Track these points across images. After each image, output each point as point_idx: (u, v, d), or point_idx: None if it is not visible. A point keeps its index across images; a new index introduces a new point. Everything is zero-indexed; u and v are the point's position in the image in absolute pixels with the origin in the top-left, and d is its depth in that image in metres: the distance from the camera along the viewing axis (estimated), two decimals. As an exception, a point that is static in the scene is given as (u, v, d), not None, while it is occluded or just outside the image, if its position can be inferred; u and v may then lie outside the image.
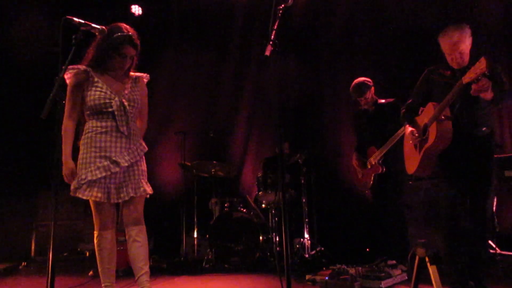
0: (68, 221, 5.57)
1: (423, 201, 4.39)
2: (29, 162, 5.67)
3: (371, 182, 4.07)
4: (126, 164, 2.58)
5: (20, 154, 5.73)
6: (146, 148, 2.75)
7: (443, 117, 2.80)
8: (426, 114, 3.00)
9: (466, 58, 2.88)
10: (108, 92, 2.58)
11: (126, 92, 2.65)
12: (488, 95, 2.68)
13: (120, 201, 2.62)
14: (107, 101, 2.57)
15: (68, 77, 2.61)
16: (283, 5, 2.13)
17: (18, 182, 5.68)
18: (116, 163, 2.55)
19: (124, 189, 2.60)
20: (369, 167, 4.12)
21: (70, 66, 2.56)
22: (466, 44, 2.86)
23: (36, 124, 3.36)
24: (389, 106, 4.06)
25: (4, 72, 5.76)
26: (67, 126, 2.58)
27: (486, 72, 2.50)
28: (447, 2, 5.16)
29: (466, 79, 2.61)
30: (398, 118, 3.90)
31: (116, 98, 2.59)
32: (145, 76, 2.83)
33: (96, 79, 2.60)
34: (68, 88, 2.61)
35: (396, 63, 5.23)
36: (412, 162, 3.19)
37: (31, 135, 5.58)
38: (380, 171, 3.98)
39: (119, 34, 2.55)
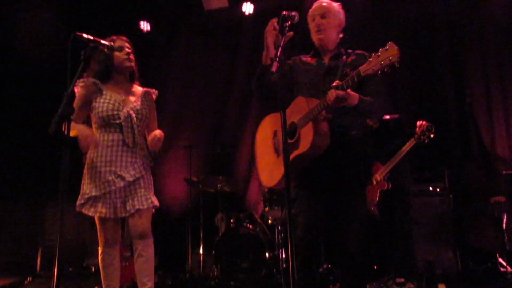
0: (74, 235, 5.56)
1: (431, 217, 4.35)
2: (36, 176, 5.69)
3: (377, 199, 4.04)
4: (131, 179, 2.57)
5: (27, 168, 5.76)
6: (152, 163, 2.74)
7: (321, 117, 2.29)
8: (295, 110, 2.37)
9: (329, 32, 2.50)
10: (116, 104, 2.59)
11: (134, 104, 2.66)
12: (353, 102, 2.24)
13: (127, 215, 2.60)
14: (115, 112, 2.58)
15: (77, 89, 2.63)
16: (289, 22, 2.14)
17: (24, 196, 5.70)
18: (121, 178, 2.55)
19: (130, 202, 2.57)
20: (374, 183, 4.09)
21: (80, 80, 2.59)
22: (334, 15, 2.51)
23: (43, 138, 3.37)
24: (394, 122, 4.07)
25: (12, 85, 5.82)
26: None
27: (396, 63, 1.99)
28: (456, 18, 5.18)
29: (367, 70, 2.08)
30: (403, 134, 3.90)
31: (124, 110, 2.60)
32: (153, 92, 2.84)
33: (104, 91, 2.62)
34: (77, 97, 2.61)
35: (400, 78, 5.23)
36: (272, 172, 2.56)
37: (39, 149, 5.61)
38: (386, 187, 3.95)
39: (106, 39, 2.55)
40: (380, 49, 2.04)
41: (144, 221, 2.62)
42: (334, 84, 2.20)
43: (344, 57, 2.48)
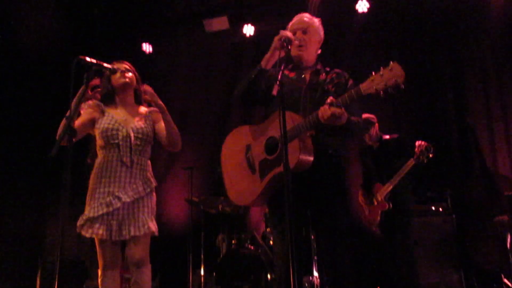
0: (74, 257, 5.52)
1: (434, 238, 4.31)
2: (36, 198, 5.67)
3: (379, 219, 4.01)
4: (129, 200, 2.53)
5: (27, 186, 5.73)
6: (154, 184, 2.69)
7: (307, 134, 2.18)
8: (276, 124, 2.02)
9: (310, 48, 2.46)
10: (116, 124, 2.61)
11: (135, 123, 2.67)
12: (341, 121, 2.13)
13: (122, 239, 2.54)
14: (114, 132, 2.59)
15: (82, 111, 2.66)
16: (289, 46, 2.16)
17: (24, 216, 5.67)
18: (118, 198, 2.51)
19: (127, 226, 2.51)
20: (375, 203, 4.07)
21: (84, 103, 2.63)
22: (315, 31, 2.49)
23: (44, 161, 3.38)
24: (394, 142, 4.07)
25: (13, 88, 5.81)
26: None
27: (402, 84, 1.89)
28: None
29: (369, 89, 1.96)
30: (403, 154, 3.89)
31: (124, 129, 2.61)
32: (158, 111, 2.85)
33: (106, 112, 2.65)
34: (81, 116, 2.64)
35: (400, 98, 5.25)
36: (246, 190, 2.40)
37: (40, 170, 5.60)
38: (386, 208, 3.93)
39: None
40: (382, 68, 1.93)
41: (140, 249, 2.54)
42: (329, 100, 2.08)
43: (324, 74, 2.46)
